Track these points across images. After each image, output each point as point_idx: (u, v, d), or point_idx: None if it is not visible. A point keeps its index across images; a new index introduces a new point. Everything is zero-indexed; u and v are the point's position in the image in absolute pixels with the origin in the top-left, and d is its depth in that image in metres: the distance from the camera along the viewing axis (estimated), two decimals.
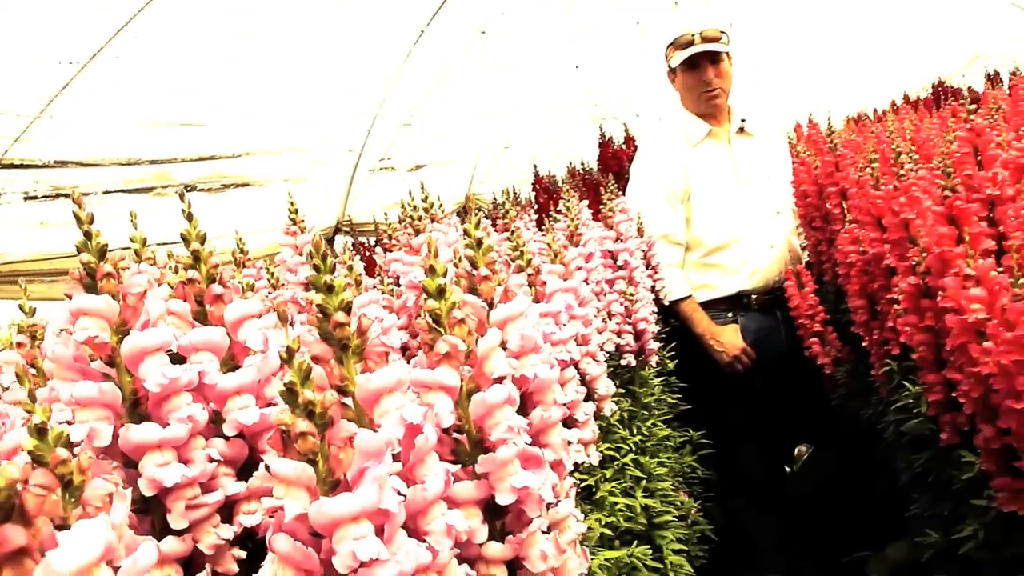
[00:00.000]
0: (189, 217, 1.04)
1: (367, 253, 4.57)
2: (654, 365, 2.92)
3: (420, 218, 2.11)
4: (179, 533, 0.90)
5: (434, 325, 0.98)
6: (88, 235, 0.90)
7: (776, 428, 3.76)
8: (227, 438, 0.98)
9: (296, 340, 0.75)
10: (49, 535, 0.60)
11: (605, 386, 1.93)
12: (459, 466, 0.96)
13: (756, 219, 3.72)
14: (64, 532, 0.60)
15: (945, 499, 2.17)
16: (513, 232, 1.53)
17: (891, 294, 2.45)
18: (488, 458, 0.95)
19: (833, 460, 3.92)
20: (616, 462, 2.43)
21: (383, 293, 1.94)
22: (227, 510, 0.96)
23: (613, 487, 2.35)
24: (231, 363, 1.04)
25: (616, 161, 5.53)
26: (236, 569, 0.95)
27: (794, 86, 9.21)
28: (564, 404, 1.40)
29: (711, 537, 3.04)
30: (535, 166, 6.21)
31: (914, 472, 2.33)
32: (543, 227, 2.59)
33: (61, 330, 1.77)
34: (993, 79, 6.13)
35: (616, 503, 2.32)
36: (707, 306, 3.67)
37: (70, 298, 0.90)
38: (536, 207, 5.21)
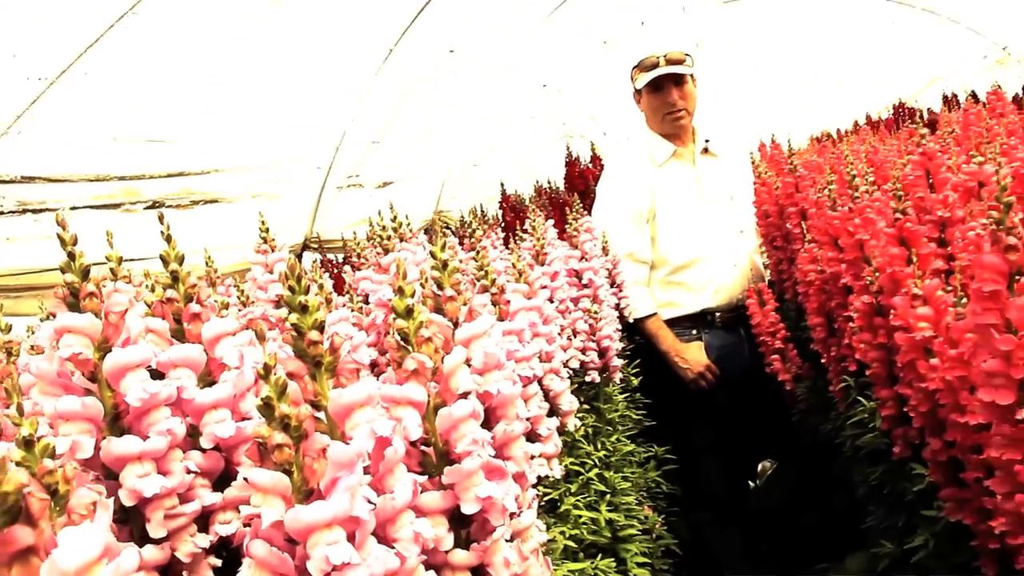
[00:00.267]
0: (168, 239, 1.08)
1: (335, 270, 4.59)
2: (618, 382, 2.97)
3: (389, 237, 2.15)
4: (158, 542, 0.94)
5: (403, 343, 1.03)
6: (72, 256, 0.93)
7: (740, 444, 3.81)
8: (204, 451, 1.01)
9: (272, 357, 0.80)
10: (51, 536, 0.64)
11: (569, 402, 1.96)
12: (426, 477, 1.00)
13: (720, 238, 3.77)
14: (64, 532, 0.64)
15: (899, 511, 2.22)
16: (479, 252, 1.58)
17: (847, 312, 2.49)
18: (454, 469, 0.99)
19: (795, 475, 3.97)
20: (581, 476, 2.46)
21: (352, 311, 1.98)
22: (204, 520, 0.99)
23: (577, 500, 2.37)
24: (208, 379, 1.08)
25: (582, 180, 5.61)
26: None
27: (761, 105, 9.36)
28: (527, 419, 1.46)
29: (675, 551, 3.05)
30: (502, 184, 6.25)
31: (870, 485, 2.37)
32: (510, 246, 2.63)
33: (32, 346, 1.79)
34: (950, 102, 6.29)
35: (580, 516, 2.34)
36: (672, 324, 3.71)
37: (54, 316, 0.93)
38: (503, 225, 5.27)
